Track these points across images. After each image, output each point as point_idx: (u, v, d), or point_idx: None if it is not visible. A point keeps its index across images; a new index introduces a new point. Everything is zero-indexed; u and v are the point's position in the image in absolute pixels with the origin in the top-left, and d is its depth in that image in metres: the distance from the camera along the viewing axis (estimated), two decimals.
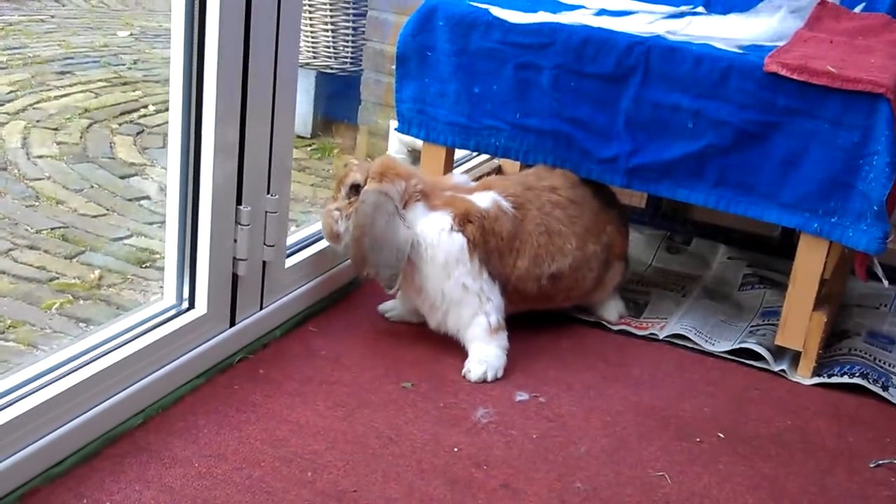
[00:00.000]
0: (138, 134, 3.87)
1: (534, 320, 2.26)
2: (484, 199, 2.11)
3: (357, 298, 2.32)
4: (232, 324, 2.00)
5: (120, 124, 3.95)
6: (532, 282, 2.13)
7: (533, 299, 2.18)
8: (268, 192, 2.01)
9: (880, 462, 1.90)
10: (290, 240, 2.18)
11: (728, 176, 2.16)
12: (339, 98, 3.87)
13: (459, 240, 2.03)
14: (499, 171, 2.82)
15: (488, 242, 2.06)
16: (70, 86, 4.37)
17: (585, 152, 2.27)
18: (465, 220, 2.05)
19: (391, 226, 2.01)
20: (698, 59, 2.12)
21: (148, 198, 3.28)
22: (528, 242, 2.12)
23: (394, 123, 2.54)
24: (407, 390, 1.97)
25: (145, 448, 1.70)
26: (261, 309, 2.07)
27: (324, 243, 2.25)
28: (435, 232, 2.04)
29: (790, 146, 2.08)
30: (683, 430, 1.94)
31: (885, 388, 2.12)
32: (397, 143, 3.36)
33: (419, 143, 2.47)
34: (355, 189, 2.07)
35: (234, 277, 1.98)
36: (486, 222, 2.07)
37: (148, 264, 2.83)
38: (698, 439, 1.92)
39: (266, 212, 2.01)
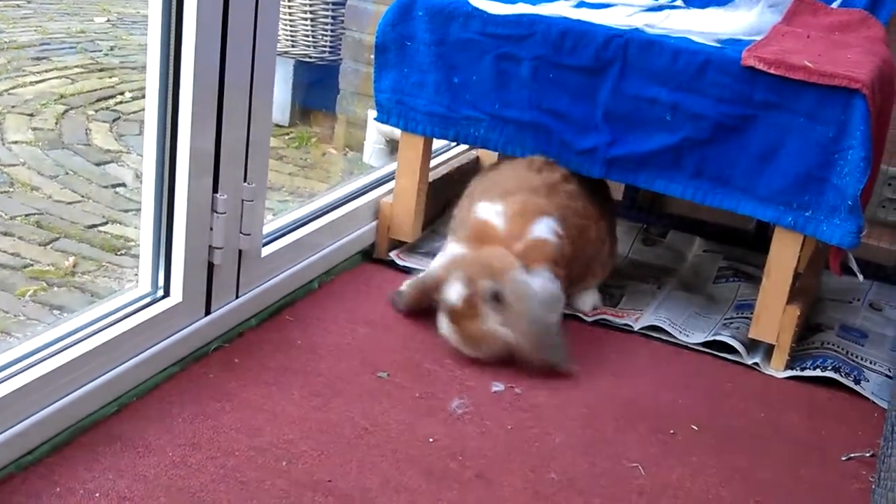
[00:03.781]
0: (114, 121, 3.83)
1: None
2: (545, 230, 2.12)
3: (334, 288, 2.31)
4: (207, 312, 1.99)
5: (96, 111, 3.91)
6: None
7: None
8: (244, 181, 2.00)
9: (852, 455, 1.92)
10: (267, 228, 2.17)
11: (705, 168, 2.17)
12: (317, 87, 3.86)
13: (558, 287, 2.10)
14: (476, 161, 2.82)
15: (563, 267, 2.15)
16: (46, 71, 4.33)
17: (564, 143, 2.27)
18: (553, 265, 2.11)
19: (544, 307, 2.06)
20: (676, 53, 2.12)
21: (124, 185, 3.26)
22: (570, 250, 2.18)
23: (372, 113, 2.54)
24: (383, 380, 1.97)
25: (119, 436, 1.70)
26: (236, 298, 2.06)
27: (300, 232, 2.26)
28: (541, 285, 2.06)
29: (766, 140, 2.09)
30: (658, 423, 1.95)
31: (857, 382, 2.14)
32: (375, 133, 3.36)
33: (397, 132, 2.47)
34: (496, 296, 2.02)
35: (210, 266, 1.97)
36: (561, 254, 2.13)
37: (123, 252, 2.81)
38: (672, 431, 1.93)
39: (242, 200, 2.00)
